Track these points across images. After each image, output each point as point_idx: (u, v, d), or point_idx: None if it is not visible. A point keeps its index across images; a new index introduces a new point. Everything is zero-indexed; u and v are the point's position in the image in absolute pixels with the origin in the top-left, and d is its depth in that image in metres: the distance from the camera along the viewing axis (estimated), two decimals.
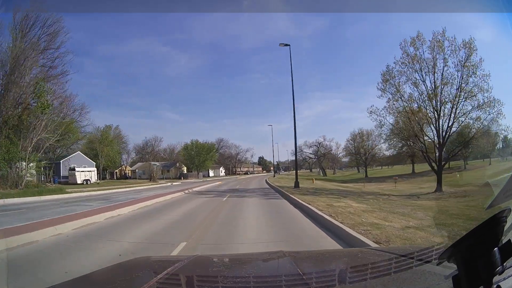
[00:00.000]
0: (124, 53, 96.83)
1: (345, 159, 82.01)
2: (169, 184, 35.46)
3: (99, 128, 49.85)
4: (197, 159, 67.94)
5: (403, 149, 52.80)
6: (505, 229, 0.84)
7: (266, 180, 38.26)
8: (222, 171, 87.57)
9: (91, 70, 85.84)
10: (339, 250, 4.30)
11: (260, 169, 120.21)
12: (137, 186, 29.56)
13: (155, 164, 43.40)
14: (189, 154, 69.02)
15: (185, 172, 67.92)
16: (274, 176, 54.15)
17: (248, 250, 4.58)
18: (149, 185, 33.93)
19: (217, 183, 34.56)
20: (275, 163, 78.82)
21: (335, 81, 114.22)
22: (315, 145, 78.18)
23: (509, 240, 0.83)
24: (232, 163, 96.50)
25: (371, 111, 20.47)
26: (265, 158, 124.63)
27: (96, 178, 38.92)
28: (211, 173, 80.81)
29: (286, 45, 20.75)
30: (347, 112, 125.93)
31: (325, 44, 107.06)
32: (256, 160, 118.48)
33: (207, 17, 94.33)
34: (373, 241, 4.42)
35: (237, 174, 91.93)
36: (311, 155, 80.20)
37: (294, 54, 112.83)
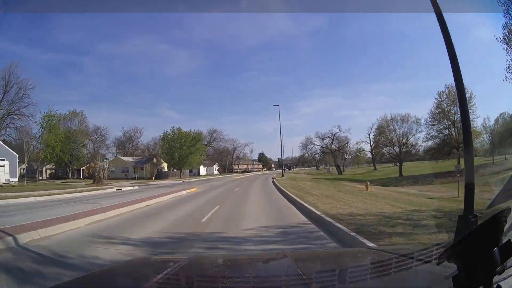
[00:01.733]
0: (124, 52, 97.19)
1: (360, 153, 66.97)
2: (114, 190, 22.19)
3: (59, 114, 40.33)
4: (177, 152, 51.78)
5: (446, 139, 40.84)
6: (505, 229, 0.84)
7: (273, 181, 26.08)
8: (216, 168, 76.97)
9: (91, 69, 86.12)
10: (339, 250, 4.30)
11: (261, 166, 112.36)
12: (28, 197, 15.47)
13: (106, 159, 32.12)
14: (169, 146, 52.79)
15: (166, 169, 54.96)
16: (283, 176, 37.03)
17: None
18: (70, 191, 19.04)
19: (188, 191, 18.92)
20: (278, 159, 73.60)
21: (335, 79, 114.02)
22: (329, 137, 63.63)
23: (509, 240, 0.83)
24: (228, 159, 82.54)
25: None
26: (265, 154, 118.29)
27: (9, 177, 26.80)
28: (203, 171, 68.30)
29: None
30: (347, 110, 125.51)
31: (325, 42, 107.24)
32: (256, 156, 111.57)
33: (207, 16, 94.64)
34: None
35: (235, 172, 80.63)
36: (323, 149, 66.19)
37: (293, 53, 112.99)
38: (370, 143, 59.13)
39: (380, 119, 53.03)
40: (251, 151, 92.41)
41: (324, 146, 66.01)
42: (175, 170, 54.75)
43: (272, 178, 31.85)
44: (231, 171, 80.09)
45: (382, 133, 52.39)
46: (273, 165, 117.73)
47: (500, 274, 0.84)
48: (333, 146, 64.12)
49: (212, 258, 2.27)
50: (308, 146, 67.92)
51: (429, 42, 75.71)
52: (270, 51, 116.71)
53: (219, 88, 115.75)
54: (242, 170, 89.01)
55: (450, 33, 4.10)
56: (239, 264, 2.04)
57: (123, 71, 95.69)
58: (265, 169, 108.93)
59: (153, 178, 44.14)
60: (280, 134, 44.08)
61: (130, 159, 53.72)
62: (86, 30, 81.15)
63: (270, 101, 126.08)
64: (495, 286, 0.84)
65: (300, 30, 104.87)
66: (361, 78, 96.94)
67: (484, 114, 65.31)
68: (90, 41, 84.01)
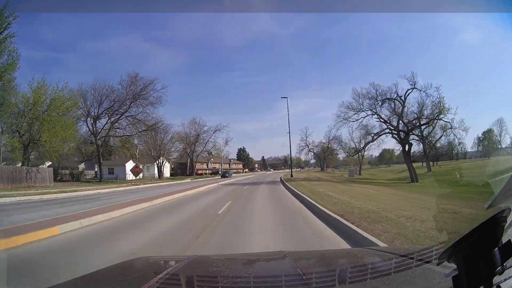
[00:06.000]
0: (107, 50, 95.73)
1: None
2: None
3: None
4: None
5: None
6: (505, 229, 0.84)
7: None
8: (154, 168, 40.84)
9: (76, 67, 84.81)
10: (339, 250, 4.29)
11: (241, 166, 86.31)
12: None
13: None
14: None
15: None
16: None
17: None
18: None
19: None
20: (262, 157, 60.68)
21: (317, 80, 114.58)
22: (393, 99, 29.52)
23: (509, 240, 0.83)
24: (187, 153, 51.55)
25: None
26: (247, 151, 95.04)
27: None
28: (130, 172, 32.66)
29: None
30: (329, 111, 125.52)
31: (307, 43, 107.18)
32: (234, 155, 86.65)
33: (190, 16, 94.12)
34: None
35: (198, 174, 53.08)
36: (389, 128, 30.62)
37: (275, 55, 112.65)
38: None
39: None
40: (226, 142, 58.89)
41: (385, 120, 30.72)
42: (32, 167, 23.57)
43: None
44: (191, 173, 50.76)
45: None
46: (256, 165, 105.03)
47: (500, 274, 0.84)
48: (401, 119, 29.71)
49: (212, 258, 2.27)
50: (349, 117, 31.92)
51: (410, 44, 75.65)
52: (253, 52, 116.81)
53: (200, 87, 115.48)
54: (210, 171, 59.61)
55: None
56: (239, 264, 2.04)
57: (107, 68, 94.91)
58: (247, 170, 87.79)
59: None
60: None
61: None
62: (71, 28, 79.82)
63: (251, 101, 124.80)
64: (495, 286, 0.84)
65: (283, 31, 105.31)
66: (341, 78, 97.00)
67: None
68: (75, 38, 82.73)
